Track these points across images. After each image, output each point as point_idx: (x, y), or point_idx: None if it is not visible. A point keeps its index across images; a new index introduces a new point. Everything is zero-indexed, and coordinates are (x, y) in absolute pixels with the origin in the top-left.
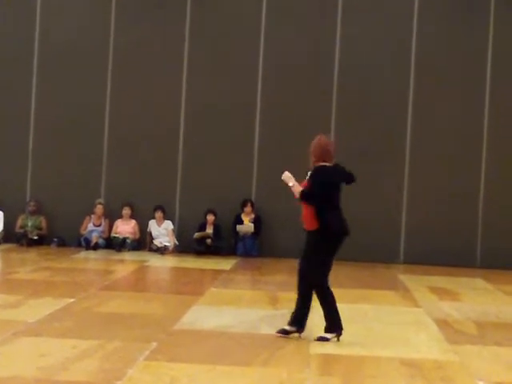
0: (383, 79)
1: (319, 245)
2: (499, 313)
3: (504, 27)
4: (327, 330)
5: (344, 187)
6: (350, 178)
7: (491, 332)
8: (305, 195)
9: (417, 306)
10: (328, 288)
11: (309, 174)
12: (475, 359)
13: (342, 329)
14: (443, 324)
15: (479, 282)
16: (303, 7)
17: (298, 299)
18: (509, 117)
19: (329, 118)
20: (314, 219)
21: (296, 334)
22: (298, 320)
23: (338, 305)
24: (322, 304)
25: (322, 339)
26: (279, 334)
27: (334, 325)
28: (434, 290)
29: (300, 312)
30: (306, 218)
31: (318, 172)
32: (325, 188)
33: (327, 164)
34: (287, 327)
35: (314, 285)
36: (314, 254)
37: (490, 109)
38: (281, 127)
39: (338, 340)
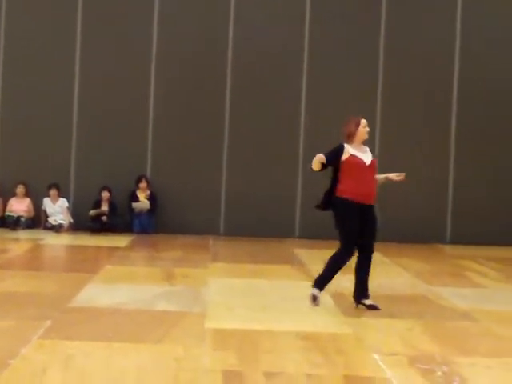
0: (276, 66)
1: None
2: (394, 285)
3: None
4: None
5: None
6: None
7: (386, 304)
8: None
9: (312, 279)
10: None
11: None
12: (370, 332)
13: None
14: (339, 297)
15: (376, 256)
16: None
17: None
18: (400, 111)
19: (223, 96)
20: None
21: None
22: None
23: (236, 279)
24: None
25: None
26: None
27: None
28: None
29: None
30: None
31: None
32: None
33: None
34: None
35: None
36: None
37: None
38: (175, 102)
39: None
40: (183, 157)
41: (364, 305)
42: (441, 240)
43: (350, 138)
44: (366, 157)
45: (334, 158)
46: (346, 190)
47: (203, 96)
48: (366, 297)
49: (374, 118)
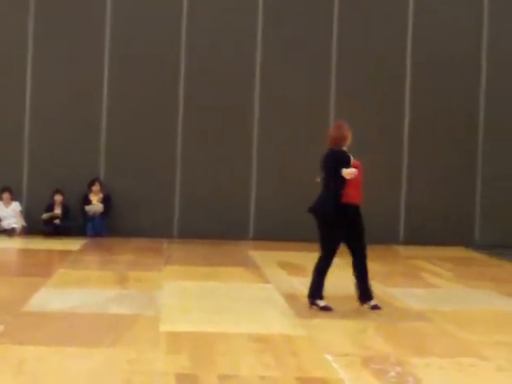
0: (231, 61)
1: None
2: (346, 286)
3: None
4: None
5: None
6: (323, 166)
7: (338, 305)
8: None
9: (266, 281)
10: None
11: None
12: (323, 333)
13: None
14: (292, 299)
15: None
16: None
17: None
18: (353, 109)
19: (176, 95)
20: None
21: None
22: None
23: (190, 282)
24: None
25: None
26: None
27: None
28: (283, 265)
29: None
30: None
31: None
32: None
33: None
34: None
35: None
36: None
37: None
38: (129, 106)
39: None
40: (136, 159)
41: (369, 306)
42: (394, 240)
43: (343, 142)
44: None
45: (349, 165)
46: (352, 195)
47: (156, 100)
48: (370, 298)
49: (328, 117)
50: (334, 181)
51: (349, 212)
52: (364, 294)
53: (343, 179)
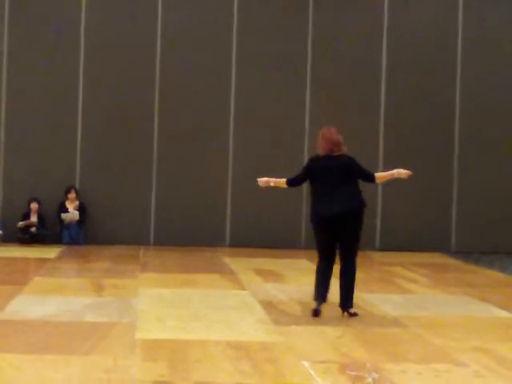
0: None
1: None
2: None
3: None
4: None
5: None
6: (346, 172)
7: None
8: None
9: (242, 288)
10: (319, 267)
11: None
12: (300, 340)
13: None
14: (268, 305)
15: (304, 263)
16: None
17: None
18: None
19: (152, 109)
20: None
21: None
22: None
23: (166, 290)
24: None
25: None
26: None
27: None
28: (260, 271)
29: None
30: None
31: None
32: (303, 173)
33: (320, 153)
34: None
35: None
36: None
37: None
38: (104, 113)
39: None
40: (112, 167)
41: (348, 313)
42: (370, 247)
43: (343, 147)
44: None
45: None
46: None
47: (132, 106)
48: (351, 306)
49: (303, 122)
50: (355, 182)
51: (363, 214)
52: (346, 301)
53: (354, 178)
